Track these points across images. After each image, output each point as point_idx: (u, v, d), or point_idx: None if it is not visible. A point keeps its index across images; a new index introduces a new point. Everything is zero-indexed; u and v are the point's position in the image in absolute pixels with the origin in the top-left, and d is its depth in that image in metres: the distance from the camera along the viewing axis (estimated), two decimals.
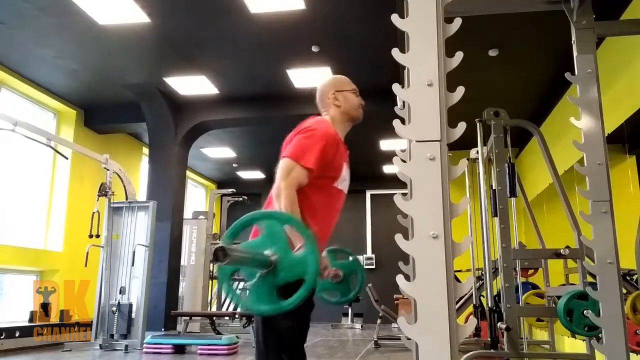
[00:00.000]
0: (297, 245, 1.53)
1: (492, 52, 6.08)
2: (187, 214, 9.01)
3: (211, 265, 8.95)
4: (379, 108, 7.67)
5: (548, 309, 3.77)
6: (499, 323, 3.30)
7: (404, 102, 1.47)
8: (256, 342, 1.86)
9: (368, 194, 12.81)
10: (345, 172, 2.02)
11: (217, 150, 10.56)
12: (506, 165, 3.41)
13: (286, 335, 1.82)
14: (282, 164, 1.85)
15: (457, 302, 3.79)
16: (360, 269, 2.23)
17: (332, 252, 2.18)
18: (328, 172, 1.92)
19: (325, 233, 1.95)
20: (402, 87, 1.23)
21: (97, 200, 6.18)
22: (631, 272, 4.14)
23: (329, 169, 1.91)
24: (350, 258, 2.23)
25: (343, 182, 2.01)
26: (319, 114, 2.14)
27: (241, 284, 1.55)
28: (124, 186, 6.71)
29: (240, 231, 1.47)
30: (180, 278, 8.29)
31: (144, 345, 5.77)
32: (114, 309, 6.09)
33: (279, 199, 1.76)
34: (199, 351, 5.59)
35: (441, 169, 1.12)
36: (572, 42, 2.15)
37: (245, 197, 9.30)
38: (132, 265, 6.34)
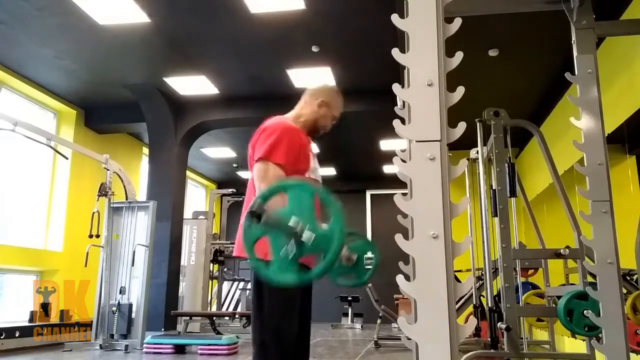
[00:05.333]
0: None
1: (492, 52, 6.08)
2: (187, 214, 9.01)
3: (211, 265, 8.96)
4: (379, 108, 7.69)
5: (548, 309, 3.77)
6: (499, 323, 3.30)
7: (404, 102, 1.47)
8: (257, 341, 1.85)
9: (368, 194, 12.81)
10: (314, 161, 2.06)
11: (217, 150, 10.56)
12: (506, 165, 3.41)
13: (287, 330, 1.82)
14: (256, 168, 1.88)
15: (457, 302, 3.79)
16: (374, 249, 2.23)
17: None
18: (299, 165, 1.95)
19: None
20: (402, 87, 1.23)
21: (97, 200, 6.18)
22: (631, 272, 4.14)
23: (299, 161, 1.95)
24: (361, 241, 2.24)
25: (315, 172, 2.05)
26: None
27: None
28: (124, 186, 6.71)
29: (270, 198, 1.46)
30: (180, 278, 8.29)
31: (144, 345, 5.76)
32: (114, 309, 6.08)
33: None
34: (199, 351, 5.59)
35: (441, 169, 1.12)
36: (572, 42, 2.16)
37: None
38: (132, 265, 6.34)
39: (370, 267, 2.20)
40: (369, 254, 2.22)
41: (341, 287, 2.17)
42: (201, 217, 9.02)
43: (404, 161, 1.21)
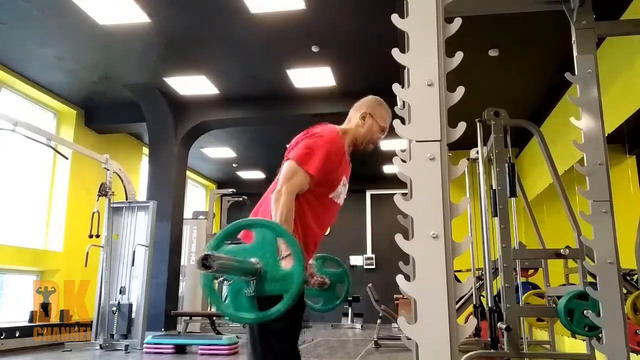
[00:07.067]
0: (284, 254, 1.51)
1: (492, 52, 6.08)
2: (187, 214, 9.00)
3: None
4: None
5: (548, 309, 3.77)
6: (499, 323, 3.30)
7: (404, 102, 1.46)
8: (250, 342, 1.85)
9: (368, 194, 12.81)
10: (343, 187, 1.99)
11: (217, 150, 10.56)
12: (506, 165, 3.41)
13: (279, 336, 1.81)
14: (287, 167, 1.83)
15: (457, 302, 3.80)
16: (347, 278, 2.21)
17: (321, 259, 2.16)
18: (327, 182, 1.89)
19: (314, 241, 1.93)
20: (402, 87, 1.23)
21: (97, 200, 6.18)
22: (631, 272, 4.14)
23: (329, 178, 1.89)
24: (338, 268, 2.22)
25: (339, 196, 1.99)
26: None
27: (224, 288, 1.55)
28: (124, 186, 6.71)
29: (230, 237, 1.47)
30: (180, 278, 8.29)
31: (144, 345, 5.77)
32: (114, 309, 6.08)
33: (278, 203, 1.74)
34: (199, 351, 5.59)
35: (441, 169, 1.12)
36: (572, 42, 2.16)
37: (245, 197, 9.30)
38: (132, 265, 6.34)
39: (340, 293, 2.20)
40: (341, 278, 2.21)
41: (313, 310, 2.18)
42: (201, 217, 9.03)
43: (404, 161, 1.21)
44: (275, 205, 1.75)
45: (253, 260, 1.42)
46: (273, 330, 1.77)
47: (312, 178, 1.82)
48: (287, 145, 1.98)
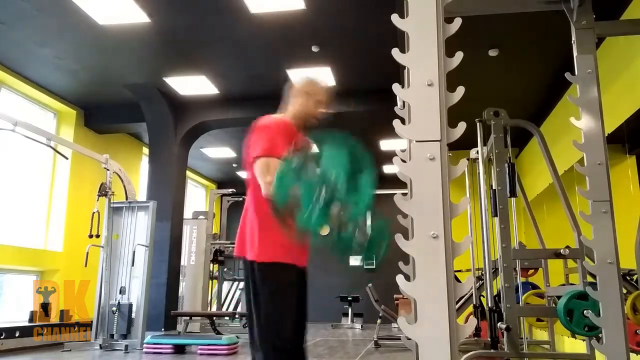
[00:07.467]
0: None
1: (492, 52, 6.08)
2: (187, 214, 9.00)
3: (211, 265, 8.96)
4: (379, 108, 7.70)
5: (548, 309, 3.77)
6: (499, 323, 3.30)
7: (404, 102, 1.47)
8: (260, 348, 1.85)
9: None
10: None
11: (217, 150, 10.56)
12: (506, 165, 3.41)
13: (286, 334, 1.82)
14: (258, 165, 1.88)
15: (457, 302, 3.80)
16: (385, 228, 2.30)
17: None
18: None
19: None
20: (402, 87, 1.23)
21: (97, 200, 6.18)
22: (631, 272, 4.14)
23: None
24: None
25: None
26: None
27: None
28: (124, 186, 6.70)
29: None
30: (180, 278, 8.29)
31: (144, 345, 5.76)
32: (114, 309, 6.08)
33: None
34: (199, 351, 5.59)
35: (441, 169, 1.12)
36: (572, 42, 2.16)
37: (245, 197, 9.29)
38: (132, 265, 6.34)
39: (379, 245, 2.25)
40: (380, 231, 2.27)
41: (348, 268, 2.19)
42: (201, 217, 9.02)
43: (404, 161, 1.21)
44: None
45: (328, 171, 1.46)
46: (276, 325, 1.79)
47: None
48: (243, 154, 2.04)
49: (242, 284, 9.73)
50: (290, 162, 1.50)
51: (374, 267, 12.27)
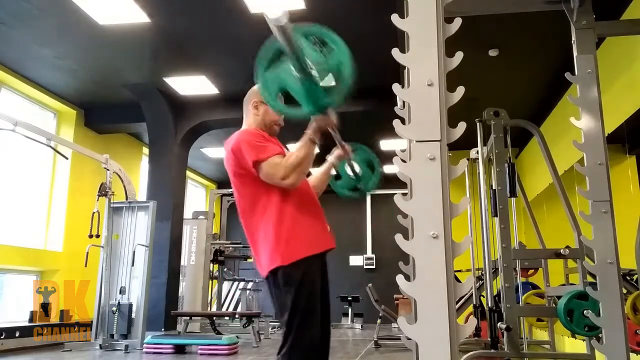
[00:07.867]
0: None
1: (492, 52, 6.08)
2: (187, 214, 9.00)
3: (211, 265, 8.96)
4: (379, 108, 7.69)
5: (548, 309, 3.77)
6: (499, 323, 3.31)
7: (404, 102, 1.47)
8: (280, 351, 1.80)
9: (368, 194, 12.81)
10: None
11: (217, 150, 10.55)
12: (506, 165, 3.42)
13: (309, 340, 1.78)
14: (264, 169, 1.84)
15: (457, 302, 3.79)
16: (374, 156, 2.50)
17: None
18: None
19: (314, 233, 1.92)
20: (402, 87, 1.23)
21: (97, 200, 6.18)
22: (631, 272, 4.14)
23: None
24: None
25: None
26: None
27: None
28: (124, 186, 6.71)
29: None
30: (180, 278, 8.28)
31: (144, 345, 5.76)
32: (114, 309, 6.08)
33: (299, 167, 1.81)
34: (199, 351, 5.59)
35: (441, 169, 1.12)
36: (572, 42, 2.16)
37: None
38: (132, 265, 6.34)
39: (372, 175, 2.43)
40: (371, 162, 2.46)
41: (346, 198, 2.48)
42: (201, 217, 9.02)
43: (404, 161, 1.21)
44: (299, 170, 1.81)
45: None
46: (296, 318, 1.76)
47: (282, 155, 1.88)
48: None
49: (242, 284, 9.73)
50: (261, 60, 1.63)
51: (373, 267, 12.30)
